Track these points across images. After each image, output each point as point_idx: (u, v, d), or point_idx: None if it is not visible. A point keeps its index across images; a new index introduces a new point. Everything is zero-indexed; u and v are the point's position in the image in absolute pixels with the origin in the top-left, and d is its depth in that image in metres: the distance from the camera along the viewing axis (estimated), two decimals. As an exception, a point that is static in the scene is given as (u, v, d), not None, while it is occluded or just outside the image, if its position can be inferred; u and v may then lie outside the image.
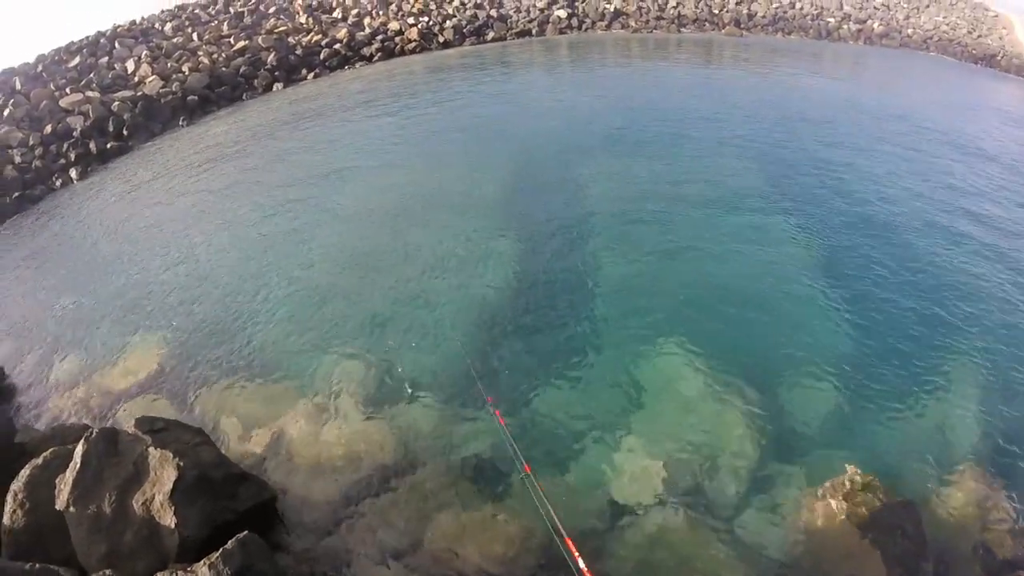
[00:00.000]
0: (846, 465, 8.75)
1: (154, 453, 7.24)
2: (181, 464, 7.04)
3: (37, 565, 6.39)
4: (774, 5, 53.96)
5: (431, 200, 16.30)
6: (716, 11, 51.68)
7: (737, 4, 53.24)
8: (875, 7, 58.16)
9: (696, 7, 51.71)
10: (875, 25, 53.13)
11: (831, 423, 9.55)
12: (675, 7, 51.38)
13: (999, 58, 53.50)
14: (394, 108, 26.38)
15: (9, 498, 7.29)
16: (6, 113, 30.30)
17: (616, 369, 9.94)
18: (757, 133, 20.84)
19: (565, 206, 15.46)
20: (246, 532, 6.55)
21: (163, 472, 7.02)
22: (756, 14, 52.01)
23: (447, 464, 8.67)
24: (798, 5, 54.88)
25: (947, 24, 57.09)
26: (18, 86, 33.67)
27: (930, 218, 15.71)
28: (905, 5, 59.96)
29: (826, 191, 16.63)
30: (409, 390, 9.88)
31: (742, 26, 50.30)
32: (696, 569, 7.58)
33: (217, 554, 6.13)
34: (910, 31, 53.75)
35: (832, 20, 53.06)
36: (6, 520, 7.18)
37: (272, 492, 8.09)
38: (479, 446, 8.95)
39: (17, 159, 26.85)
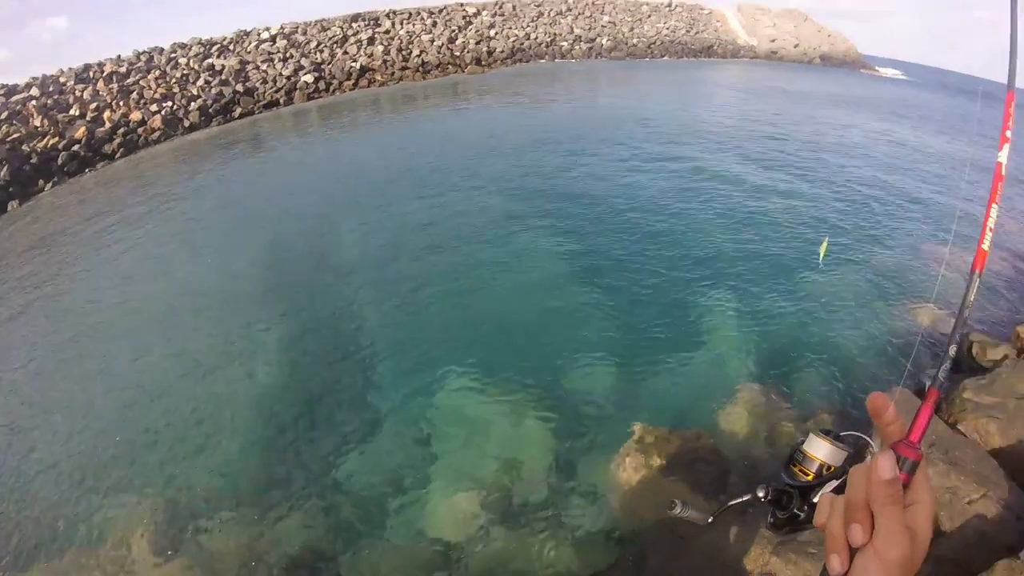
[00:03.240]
0: (634, 426, 9.69)
1: None
2: None
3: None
4: (511, 40, 58.65)
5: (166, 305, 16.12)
6: (458, 53, 55.36)
7: (477, 44, 57.18)
8: (602, 26, 65.27)
9: (439, 53, 55.03)
10: (604, 41, 59.65)
11: (614, 398, 10.66)
12: (418, 56, 54.34)
13: (715, 48, 62.17)
14: (138, 214, 24.97)
15: None
16: None
17: (406, 419, 10.10)
18: (507, 159, 24.10)
19: (326, 269, 16.16)
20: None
21: None
22: (495, 50, 56.44)
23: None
24: (532, 36, 60.24)
25: (668, 28, 65.27)
26: None
27: (653, 201, 20.28)
28: (629, 19, 67.78)
29: (570, 198, 19.78)
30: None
31: (483, 63, 54.04)
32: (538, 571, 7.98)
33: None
34: (635, 41, 60.65)
35: (565, 44, 59.74)
36: None
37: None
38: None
39: None
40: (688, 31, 72.82)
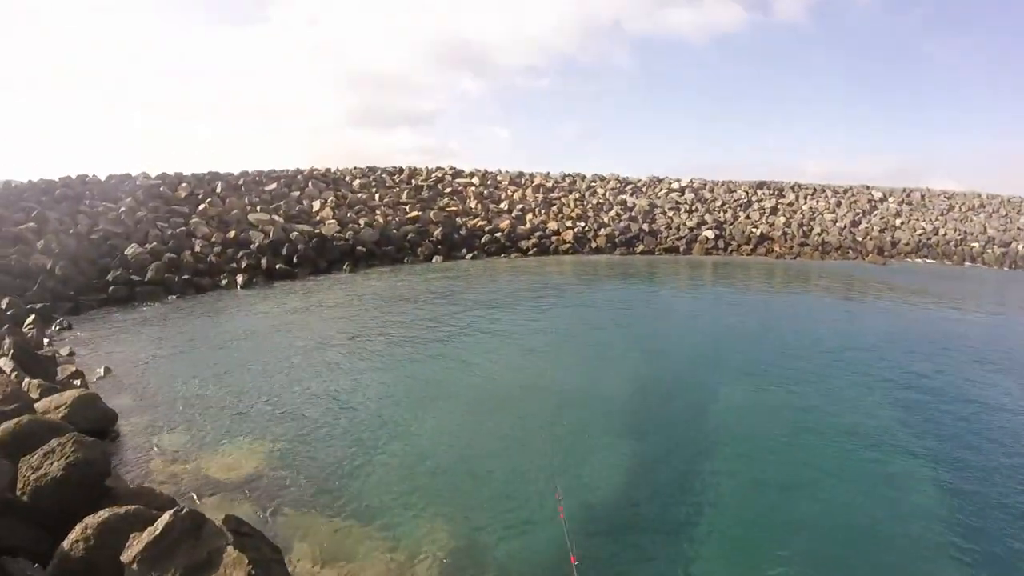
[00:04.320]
0: None
1: (231, 552, 7.01)
2: (253, 572, 6.77)
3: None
4: (917, 232, 53.11)
5: (558, 395, 15.53)
6: (860, 239, 51.42)
7: (880, 232, 52.81)
8: (1019, 228, 55.91)
9: (840, 235, 51.68)
10: (1020, 247, 50.54)
11: None
12: (819, 234, 51.49)
13: None
14: (542, 302, 26.49)
15: (79, 527, 7.25)
16: (200, 208, 32.91)
17: None
18: (900, 368, 18.75)
19: (691, 422, 14.41)
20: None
21: (233, 572, 6.81)
22: (899, 241, 51.31)
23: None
24: (941, 231, 53.78)
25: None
26: (219, 189, 36.94)
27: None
28: None
29: (975, 438, 13.94)
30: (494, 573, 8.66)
31: (885, 253, 49.42)
32: None
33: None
34: None
35: (976, 245, 51.47)
36: (66, 544, 7.11)
37: (328, 634, 7.19)
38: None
39: (197, 248, 28.35)
40: None
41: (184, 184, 36.07)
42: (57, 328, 18.93)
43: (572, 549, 7.21)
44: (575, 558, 7.08)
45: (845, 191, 62.66)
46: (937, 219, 57.58)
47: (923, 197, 62.82)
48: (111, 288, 22.96)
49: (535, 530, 9.60)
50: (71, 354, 16.21)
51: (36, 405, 11.14)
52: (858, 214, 57.07)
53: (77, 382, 13.81)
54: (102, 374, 14.91)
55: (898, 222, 56.15)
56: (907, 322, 26.27)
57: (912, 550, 9.72)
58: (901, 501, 11.02)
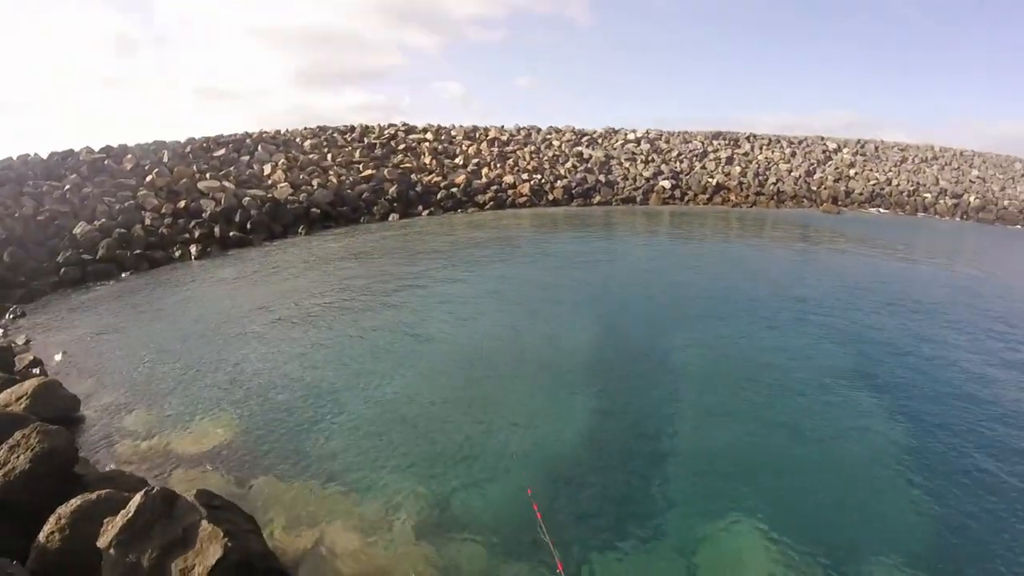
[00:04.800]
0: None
1: (206, 526, 7.18)
2: (229, 544, 6.93)
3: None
4: (870, 183, 54.69)
5: (516, 350, 15.95)
6: (815, 188, 52.82)
7: (835, 182, 54.24)
8: (971, 180, 57.80)
9: (795, 184, 52.97)
10: (971, 199, 52.34)
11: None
12: (775, 184, 52.84)
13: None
14: (498, 256, 26.95)
15: (52, 518, 7.35)
16: (148, 179, 32.28)
17: (681, 540, 8.96)
18: (850, 312, 19.82)
19: (649, 371, 14.82)
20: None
21: (209, 547, 6.95)
22: (853, 191, 52.78)
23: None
24: (895, 182, 55.39)
25: (1047, 191, 55.84)
26: (165, 159, 36.11)
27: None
28: (1000, 176, 59.27)
29: (921, 376, 15.18)
30: (464, 527, 9.10)
31: (839, 203, 50.85)
32: None
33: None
34: (1006, 203, 52.43)
35: (928, 195, 53.19)
36: (41, 537, 7.21)
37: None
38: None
39: (147, 221, 27.98)
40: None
41: (129, 156, 35.11)
42: (11, 317, 18.83)
43: (557, 556, 7.19)
44: (561, 565, 7.12)
45: (800, 142, 63.83)
46: (890, 170, 59.00)
47: (877, 149, 64.24)
48: (63, 270, 22.70)
49: (498, 484, 10.03)
50: (27, 342, 16.23)
51: (-3, 399, 11.24)
52: (813, 164, 58.27)
53: (36, 370, 13.94)
54: (60, 359, 14.99)
55: (852, 172, 57.51)
56: (859, 271, 27.44)
57: (863, 469, 10.79)
58: (852, 436, 12.00)
